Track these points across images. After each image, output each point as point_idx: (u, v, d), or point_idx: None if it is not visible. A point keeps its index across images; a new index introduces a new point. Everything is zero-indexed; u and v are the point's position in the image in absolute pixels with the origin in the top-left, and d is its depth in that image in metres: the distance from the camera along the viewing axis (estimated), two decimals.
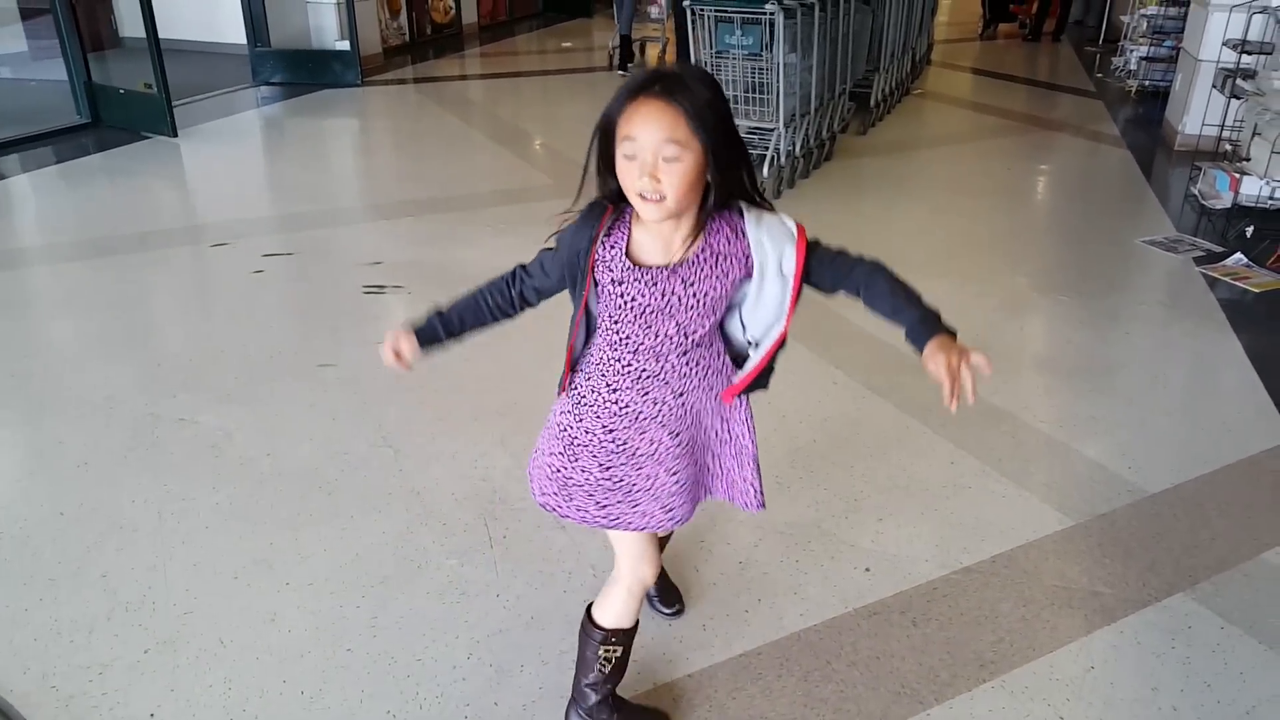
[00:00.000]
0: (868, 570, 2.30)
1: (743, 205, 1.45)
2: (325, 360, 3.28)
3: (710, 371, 1.55)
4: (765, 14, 4.66)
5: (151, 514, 2.44)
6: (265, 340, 3.47)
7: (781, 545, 2.37)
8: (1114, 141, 6.60)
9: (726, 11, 4.81)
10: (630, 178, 1.33)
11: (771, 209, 1.48)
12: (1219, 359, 3.46)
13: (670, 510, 1.58)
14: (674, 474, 1.57)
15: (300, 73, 8.02)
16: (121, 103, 6.36)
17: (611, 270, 1.45)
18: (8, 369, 3.23)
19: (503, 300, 1.58)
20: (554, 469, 1.60)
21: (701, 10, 4.84)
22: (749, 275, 1.46)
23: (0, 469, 2.74)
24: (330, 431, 2.84)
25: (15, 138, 5.94)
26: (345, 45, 8.05)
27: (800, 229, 1.47)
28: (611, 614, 1.67)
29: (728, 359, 1.57)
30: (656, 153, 1.30)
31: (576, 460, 1.57)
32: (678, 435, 1.56)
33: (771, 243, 1.44)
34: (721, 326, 1.55)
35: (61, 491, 2.54)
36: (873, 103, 6.68)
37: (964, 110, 7.82)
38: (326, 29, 8.33)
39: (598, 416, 1.55)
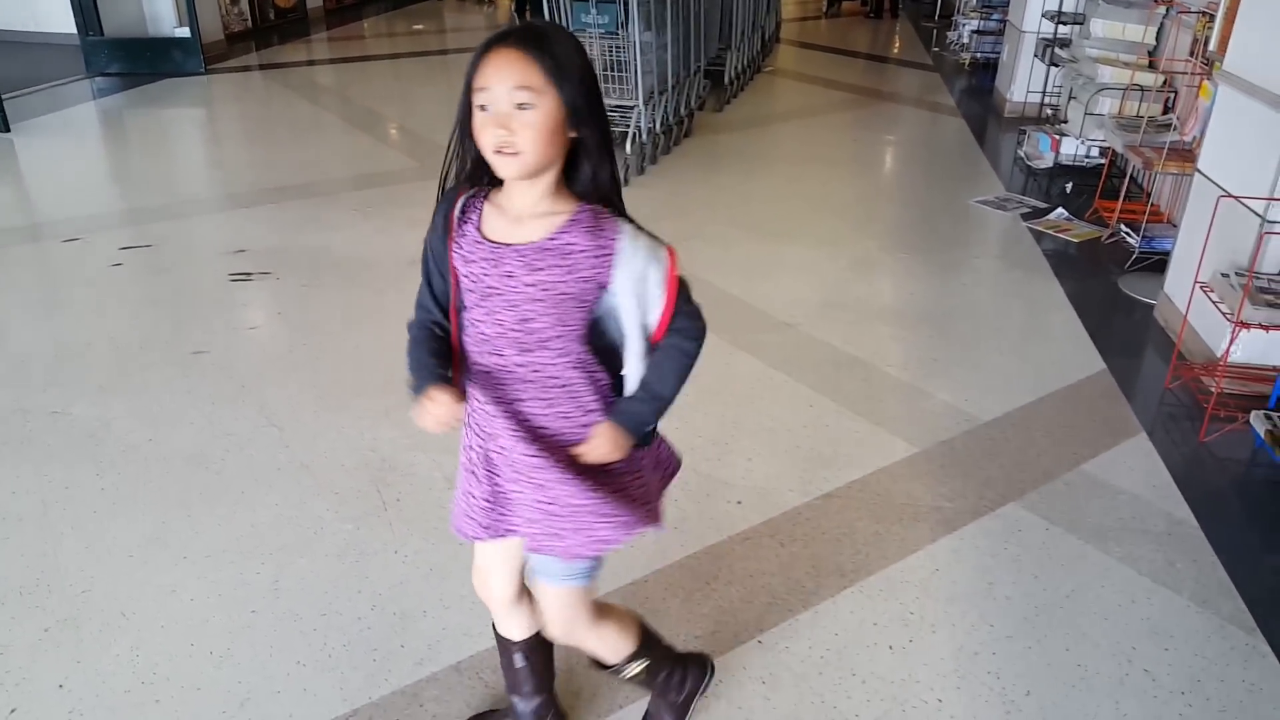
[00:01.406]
0: (739, 503, 2.50)
1: (620, 217, 1.35)
2: (199, 348, 3.25)
3: (563, 393, 1.37)
4: None
5: (35, 504, 2.42)
6: (133, 331, 3.41)
7: None
8: (950, 111, 7.08)
9: None
10: (485, 132, 1.25)
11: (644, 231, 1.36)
12: (1044, 303, 3.84)
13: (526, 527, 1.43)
14: (522, 491, 1.40)
15: (138, 62, 7.67)
16: None
17: (462, 250, 1.34)
18: None
19: (433, 335, 1.41)
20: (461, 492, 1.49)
21: None
22: (605, 287, 1.33)
23: None
24: (211, 414, 2.85)
25: None
26: (185, 32, 7.77)
27: (671, 254, 1.35)
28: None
29: (600, 391, 1.39)
30: (510, 100, 1.23)
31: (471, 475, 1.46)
32: (531, 449, 1.36)
33: (643, 263, 1.32)
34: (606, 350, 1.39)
35: None
36: (726, 80, 6.95)
37: (812, 86, 8.19)
38: (163, 16, 8.01)
39: (470, 424, 1.43)
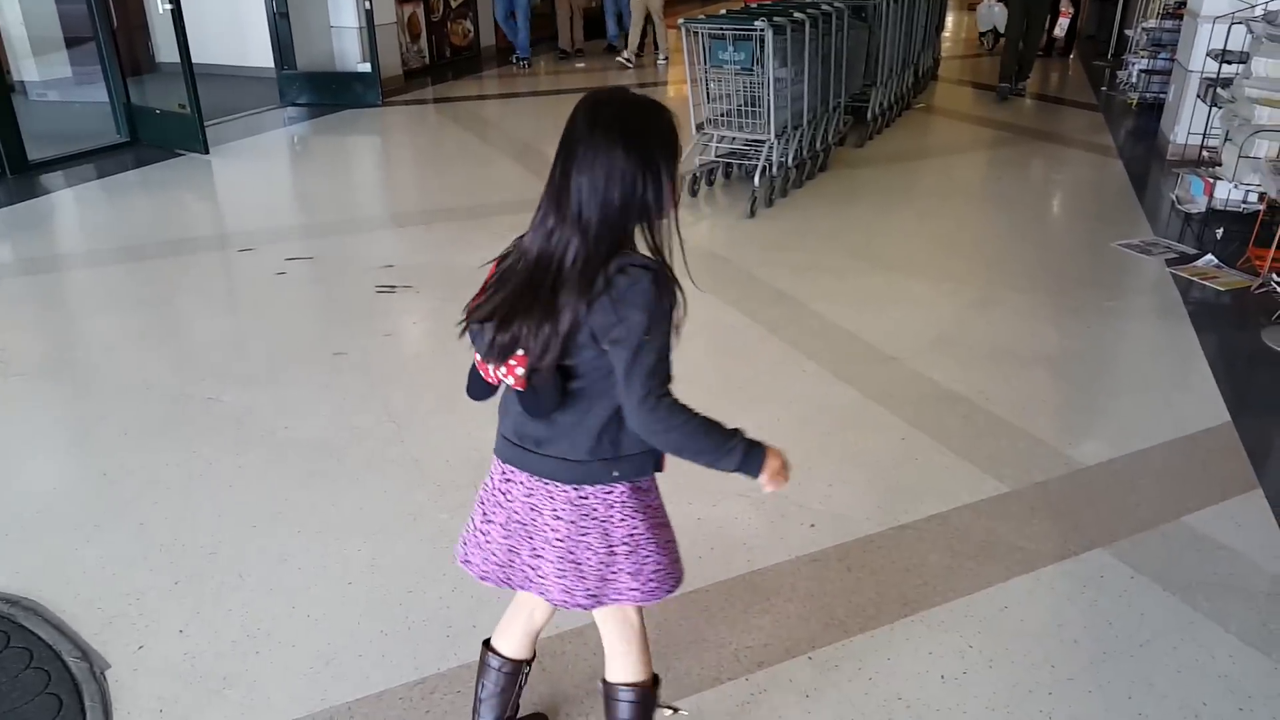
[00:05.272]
0: (813, 526, 2.56)
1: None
2: (339, 349, 3.59)
3: None
4: (755, 31, 4.96)
5: (182, 475, 2.77)
6: (285, 332, 3.80)
7: (736, 506, 2.64)
8: (1108, 152, 6.81)
9: (720, 30, 5.12)
10: (676, 194, 1.42)
11: None
12: (1174, 351, 3.68)
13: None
14: None
15: (324, 94, 8.41)
16: (158, 122, 6.76)
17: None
18: (56, 357, 3.61)
19: None
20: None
21: (696, 29, 5.15)
22: None
23: (52, 438, 3.07)
24: (341, 408, 3.15)
25: (60, 155, 6.34)
26: (367, 67, 8.44)
27: None
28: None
29: None
30: None
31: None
32: None
33: None
34: None
35: (105, 456, 2.88)
36: (870, 116, 6.95)
37: (964, 124, 8.05)
38: (349, 52, 8.74)
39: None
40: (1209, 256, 4.54)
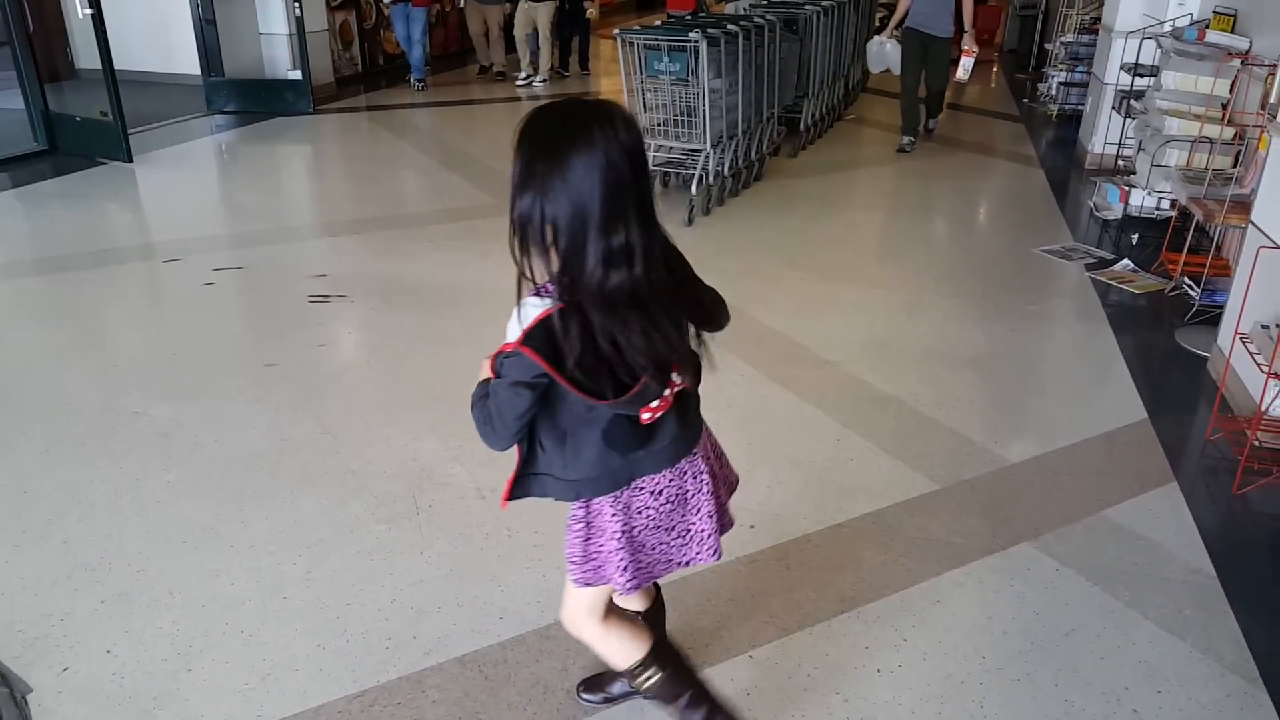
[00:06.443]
0: (752, 527, 2.59)
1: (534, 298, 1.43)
2: (271, 360, 3.53)
3: None
4: (689, 42, 5.01)
5: (108, 492, 2.69)
6: (214, 344, 3.72)
7: None
8: (1030, 162, 7.04)
9: (655, 40, 5.17)
10: None
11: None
12: (1094, 352, 3.82)
13: None
14: None
15: (253, 101, 8.26)
16: (78, 130, 6.57)
17: None
18: None
19: None
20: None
21: (631, 39, 5.19)
22: None
23: None
24: (273, 421, 3.09)
25: None
26: (298, 75, 8.32)
27: (521, 339, 1.41)
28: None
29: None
30: None
31: None
32: None
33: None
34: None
35: (25, 474, 2.78)
36: (802, 127, 7.07)
37: (893, 134, 8.19)
38: (279, 59, 8.60)
39: None
40: (1125, 261, 4.72)
